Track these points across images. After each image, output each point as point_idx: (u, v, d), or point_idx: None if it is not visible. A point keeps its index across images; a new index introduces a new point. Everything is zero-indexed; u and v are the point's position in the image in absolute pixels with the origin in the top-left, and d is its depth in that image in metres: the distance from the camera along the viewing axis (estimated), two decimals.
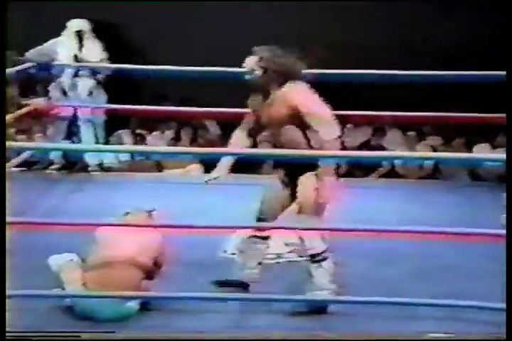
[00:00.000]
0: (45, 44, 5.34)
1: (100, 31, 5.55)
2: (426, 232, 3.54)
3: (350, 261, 3.54)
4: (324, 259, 3.18)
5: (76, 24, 5.40)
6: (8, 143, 2.82)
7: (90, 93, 5.44)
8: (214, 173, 3.29)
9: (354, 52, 5.78)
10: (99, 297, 3.10)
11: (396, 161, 5.43)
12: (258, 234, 3.30)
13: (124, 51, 5.64)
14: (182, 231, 3.33)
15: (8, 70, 4.70)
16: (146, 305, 3.15)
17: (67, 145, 5.04)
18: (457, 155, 3.47)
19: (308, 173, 3.15)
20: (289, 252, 3.85)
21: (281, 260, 3.79)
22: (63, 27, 5.41)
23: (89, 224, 3.30)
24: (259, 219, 3.29)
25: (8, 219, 2.73)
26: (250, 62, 3.23)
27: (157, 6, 6.02)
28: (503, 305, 2.58)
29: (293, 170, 3.18)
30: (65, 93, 5.38)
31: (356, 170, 5.43)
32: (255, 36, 5.91)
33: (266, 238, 3.33)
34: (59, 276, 3.22)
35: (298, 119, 3.12)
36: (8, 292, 2.63)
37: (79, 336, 2.80)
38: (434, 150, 5.70)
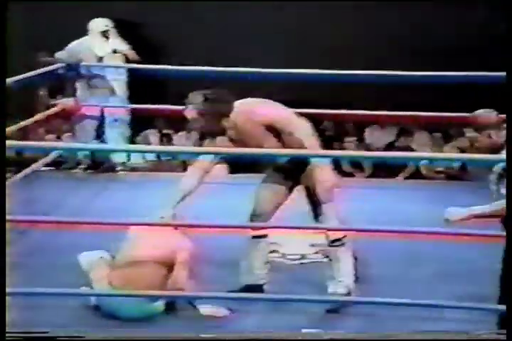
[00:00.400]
0: (71, 44, 5.37)
1: (124, 30, 5.58)
2: (426, 233, 3.56)
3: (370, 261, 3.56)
4: (343, 244, 3.23)
5: (100, 23, 5.43)
6: (8, 143, 2.81)
7: (117, 93, 5.49)
8: (162, 212, 3.26)
9: (353, 53, 5.72)
10: (112, 295, 3.11)
11: (421, 162, 5.40)
12: (256, 233, 3.33)
13: (149, 50, 5.66)
14: (208, 231, 3.35)
15: (38, 71, 4.79)
16: (171, 305, 3.17)
17: (69, 144, 5.07)
18: (458, 155, 3.43)
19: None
20: (314, 253, 3.85)
21: (305, 261, 3.79)
22: (84, 27, 5.44)
23: (99, 223, 3.33)
24: (252, 217, 3.32)
25: (8, 217, 2.73)
26: (190, 114, 3.29)
27: (184, 4, 6.03)
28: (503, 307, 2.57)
29: (293, 165, 3.24)
30: (92, 93, 5.43)
31: (381, 171, 5.41)
32: (281, 35, 5.96)
33: (264, 236, 3.36)
34: (88, 274, 3.25)
35: (274, 130, 3.20)
36: (8, 289, 2.63)
37: (83, 336, 2.82)
38: (462, 151, 5.64)
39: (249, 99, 3.32)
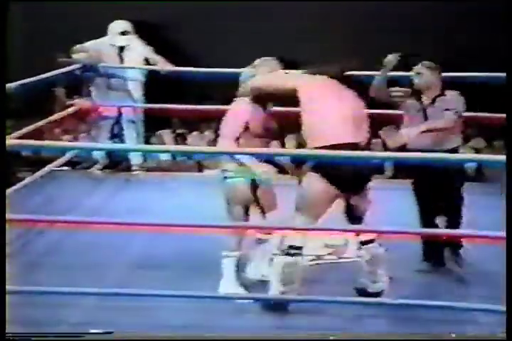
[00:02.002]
0: (90, 43, 5.37)
1: (142, 32, 5.59)
2: (427, 234, 3.56)
3: None
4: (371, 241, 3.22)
5: (120, 25, 5.45)
6: (8, 142, 2.80)
7: (133, 93, 5.51)
8: None
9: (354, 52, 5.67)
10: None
11: None
12: (262, 236, 3.37)
13: (166, 51, 5.66)
14: (217, 231, 3.35)
15: (55, 72, 4.81)
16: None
17: (81, 144, 5.08)
18: (458, 156, 3.43)
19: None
20: (328, 254, 3.85)
21: (320, 261, 3.79)
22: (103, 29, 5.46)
23: (101, 222, 3.35)
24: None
25: (8, 216, 2.74)
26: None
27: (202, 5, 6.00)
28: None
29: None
30: (108, 93, 5.45)
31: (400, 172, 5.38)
32: (301, 36, 5.93)
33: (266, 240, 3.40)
34: None
35: None
36: (8, 287, 2.64)
37: (83, 336, 2.82)
38: (477, 152, 5.60)
39: None
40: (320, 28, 5.92)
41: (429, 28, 5.38)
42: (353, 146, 3.06)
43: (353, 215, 3.25)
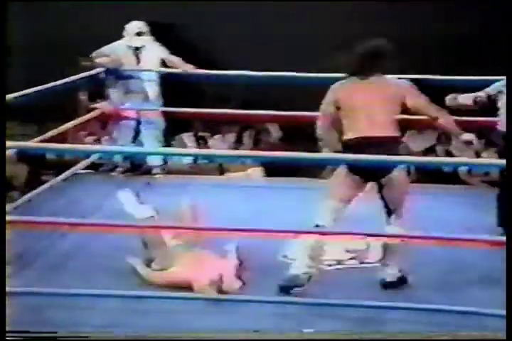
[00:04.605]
0: (107, 47, 5.40)
1: (159, 33, 5.58)
2: (428, 238, 3.52)
3: None
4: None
5: (136, 26, 5.45)
6: (8, 143, 2.82)
7: (153, 96, 5.54)
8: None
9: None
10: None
11: (460, 168, 5.33)
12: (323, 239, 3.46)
13: (183, 53, 5.66)
14: (242, 235, 3.37)
15: (79, 76, 4.87)
16: None
17: (100, 147, 5.13)
18: (458, 159, 3.42)
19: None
20: (350, 259, 3.84)
21: (341, 266, 3.78)
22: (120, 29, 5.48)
23: (107, 225, 3.34)
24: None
25: (8, 218, 2.77)
26: None
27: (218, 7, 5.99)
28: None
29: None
30: (127, 96, 5.49)
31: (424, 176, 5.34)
32: (319, 39, 5.91)
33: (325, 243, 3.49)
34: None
35: None
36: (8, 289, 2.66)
37: (86, 336, 2.83)
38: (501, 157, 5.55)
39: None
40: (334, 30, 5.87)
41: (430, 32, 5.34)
42: (381, 139, 3.35)
43: (386, 205, 3.44)
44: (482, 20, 5.61)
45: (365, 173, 3.36)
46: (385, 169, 3.37)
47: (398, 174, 3.37)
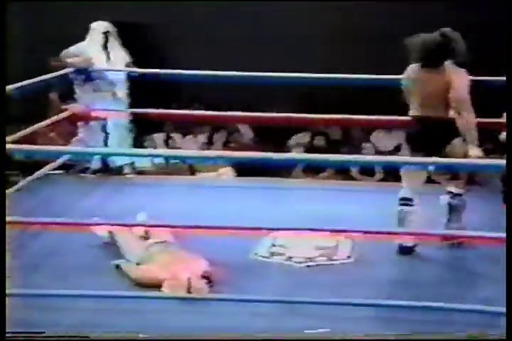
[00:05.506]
0: (75, 46, 5.40)
1: (123, 33, 5.58)
2: (427, 235, 3.64)
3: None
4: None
5: (102, 26, 5.47)
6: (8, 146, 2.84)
7: (121, 95, 5.55)
8: None
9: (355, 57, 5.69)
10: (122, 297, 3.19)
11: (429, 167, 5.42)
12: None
13: (145, 53, 5.68)
14: (212, 233, 3.40)
15: (49, 75, 4.85)
16: None
17: (73, 148, 5.08)
18: (456, 161, 3.51)
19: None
20: (319, 256, 3.89)
21: (311, 264, 3.82)
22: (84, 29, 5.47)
23: (95, 224, 3.41)
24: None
25: (8, 218, 2.76)
26: None
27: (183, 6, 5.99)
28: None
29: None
30: (95, 96, 5.49)
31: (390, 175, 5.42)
32: (286, 39, 5.96)
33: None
34: None
35: None
36: (11, 291, 2.68)
37: (87, 336, 2.83)
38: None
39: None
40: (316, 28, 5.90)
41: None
42: (433, 118, 3.86)
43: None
44: None
45: (427, 148, 3.77)
46: (445, 140, 3.82)
47: (457, 143, 3.83)
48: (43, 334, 2.81)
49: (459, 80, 3.82)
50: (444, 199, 4.03)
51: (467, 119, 3.78)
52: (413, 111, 3.95)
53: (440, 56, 3.85)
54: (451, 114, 3.87)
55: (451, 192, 4.01)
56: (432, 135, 3.84)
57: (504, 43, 3.77)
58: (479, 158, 3.73)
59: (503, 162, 2.80)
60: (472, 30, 4.42)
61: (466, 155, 3.77)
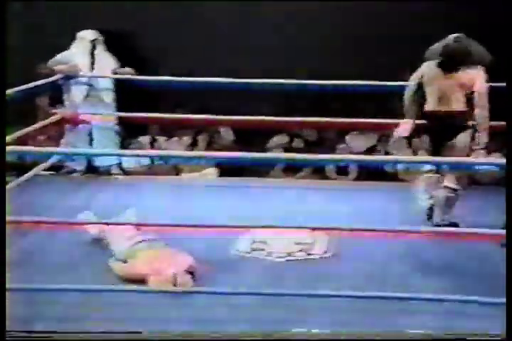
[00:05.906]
0: (62, 55, 5.51)
1: (110, 41, 5.66)
2: (427, 232, 3.79)
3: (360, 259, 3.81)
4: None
5: (89, 34, 5.58)
6: (8, 148, 2.91)
7: (108, 101, 5.70)
8: None
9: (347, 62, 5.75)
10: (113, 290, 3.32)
11: (399, 166, 5.59)
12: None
13: (133, 61, 5.78)
14: (195, 231, 3.54)
15: (39, 82, 4.99)
16: None
17: (66, 150, 5.23)
18: (456, 159, 3.65)
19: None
20: (299, 251, 4.01)
21: (291, 258, 3.94)
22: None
23: (88, 223, 3.54)
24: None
25: (8, 218, 2.80)
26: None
27: (169, 14, 6.03)
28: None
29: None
30: (83, 101, 5.64)
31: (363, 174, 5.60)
32: (267, 46, 6.03)
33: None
34: None
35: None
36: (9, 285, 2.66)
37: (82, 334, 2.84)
38: None
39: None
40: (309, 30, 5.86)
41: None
42: (447, 113, 4.19)
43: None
44: None
45: (438, 136, 4.14)
46: (453, 133, 4.13)
47: (462, 138, 4.14)
48: (43, 335, 2.86)
49: (479, 76, 4.11)
50: (441, 193, 4.25)
51: (485, 109, 4.06)
52: (429, 106, 4.23)
53: (458, 62, 4.13)
54: (462, 107, 4.16)
55: (448, 187, 4.25)
56: (445, 127, 4.16)
57: (504, 43, 3.84)
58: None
59: (503, 161, 2.87)
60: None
61: (469, 148, 4.10)
